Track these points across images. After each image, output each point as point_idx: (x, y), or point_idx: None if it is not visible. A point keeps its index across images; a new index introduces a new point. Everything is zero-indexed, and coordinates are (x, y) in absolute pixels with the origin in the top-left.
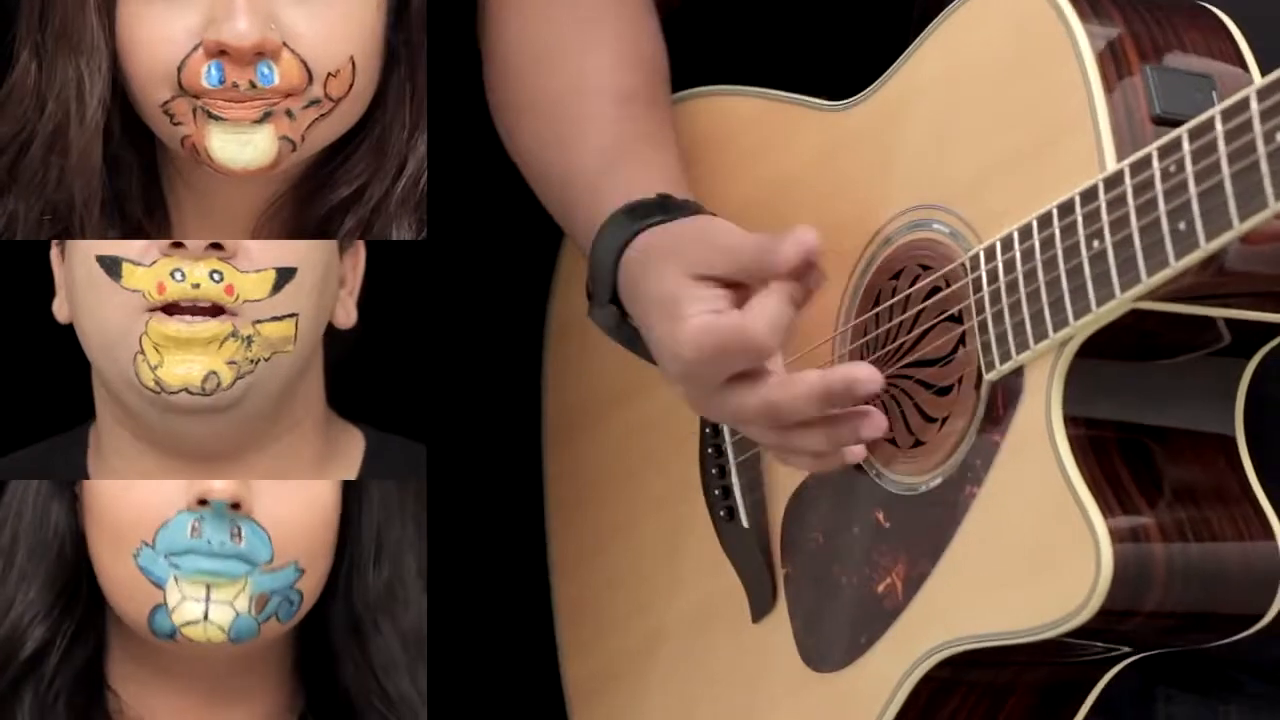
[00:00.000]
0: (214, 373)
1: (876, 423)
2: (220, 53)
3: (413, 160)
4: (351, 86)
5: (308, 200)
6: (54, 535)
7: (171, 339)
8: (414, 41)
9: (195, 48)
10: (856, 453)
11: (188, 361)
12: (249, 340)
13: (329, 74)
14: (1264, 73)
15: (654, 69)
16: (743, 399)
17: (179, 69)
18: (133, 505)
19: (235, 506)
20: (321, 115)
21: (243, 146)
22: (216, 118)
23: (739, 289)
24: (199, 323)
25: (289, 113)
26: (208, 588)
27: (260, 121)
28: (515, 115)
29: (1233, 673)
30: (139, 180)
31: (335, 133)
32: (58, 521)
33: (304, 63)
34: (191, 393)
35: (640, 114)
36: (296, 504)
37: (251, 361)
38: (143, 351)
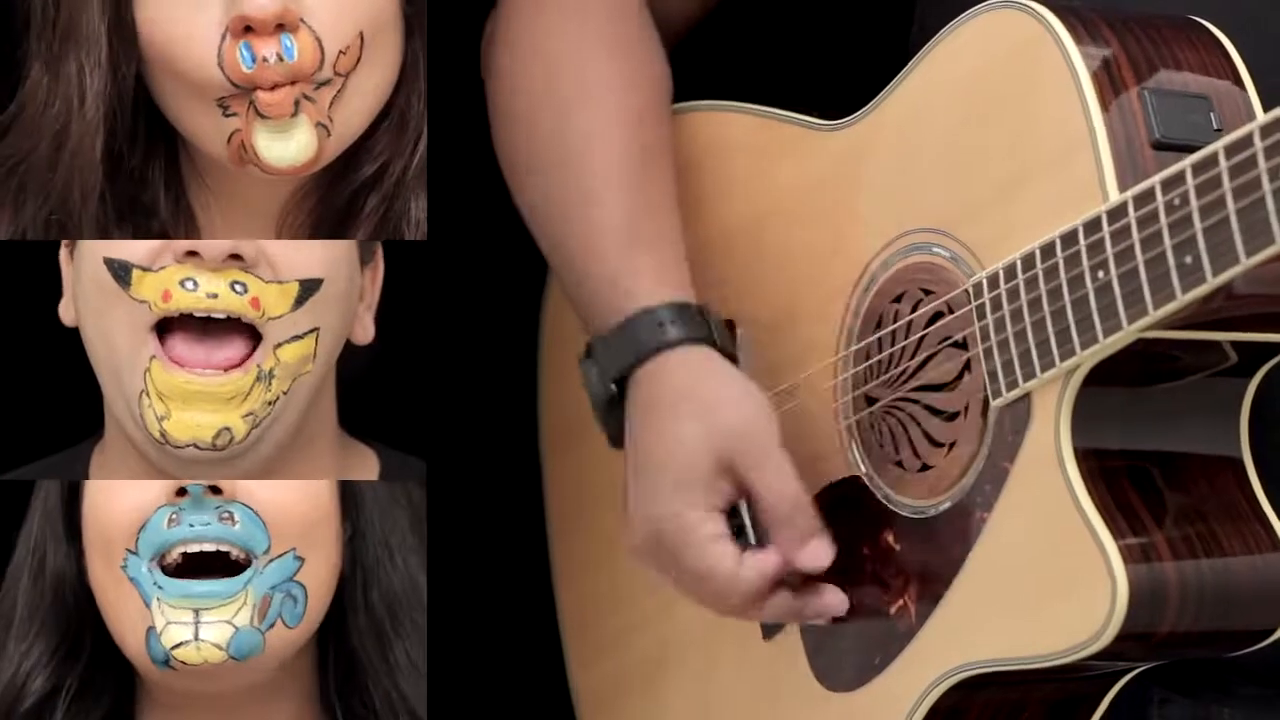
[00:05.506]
0: (228, 428)
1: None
2: (245, 30)
3: (425, 131)
4: (359, 60)
5: (332, 186)
6: (51, 582)
7: (180, 390)
8: (419, 9)
9: (224, 37)
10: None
11: (198, 416)
12: (270, 378)
13: (339, 51)
14: (1257, 83)
15: (656, 96)
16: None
17: (220, 64)
18: (118, 508)
19: (215, 490)
20: (337, 93)
21: (287, 143)
22: (262, 116)
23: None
24: (212, 377)
25: (307, 98)
26: (195, 612)
27: (295, 115)
28: (522, 173)
29: (1226, 675)
30: (165, 192)
31: (370, 110)
32: (56, 568)
33: (318, 39)
34: (200, 448)
35: (651, 167)
36: (290, 493)
37: (270, 404)
38: (148, 394)
